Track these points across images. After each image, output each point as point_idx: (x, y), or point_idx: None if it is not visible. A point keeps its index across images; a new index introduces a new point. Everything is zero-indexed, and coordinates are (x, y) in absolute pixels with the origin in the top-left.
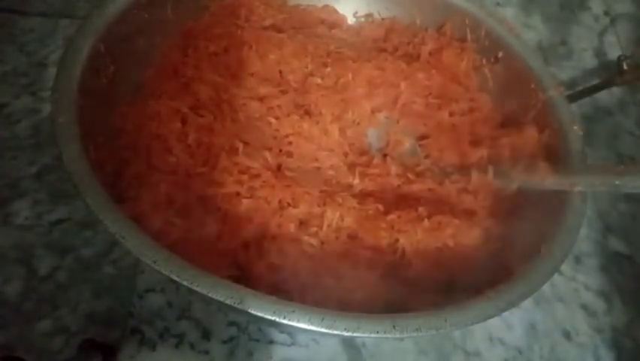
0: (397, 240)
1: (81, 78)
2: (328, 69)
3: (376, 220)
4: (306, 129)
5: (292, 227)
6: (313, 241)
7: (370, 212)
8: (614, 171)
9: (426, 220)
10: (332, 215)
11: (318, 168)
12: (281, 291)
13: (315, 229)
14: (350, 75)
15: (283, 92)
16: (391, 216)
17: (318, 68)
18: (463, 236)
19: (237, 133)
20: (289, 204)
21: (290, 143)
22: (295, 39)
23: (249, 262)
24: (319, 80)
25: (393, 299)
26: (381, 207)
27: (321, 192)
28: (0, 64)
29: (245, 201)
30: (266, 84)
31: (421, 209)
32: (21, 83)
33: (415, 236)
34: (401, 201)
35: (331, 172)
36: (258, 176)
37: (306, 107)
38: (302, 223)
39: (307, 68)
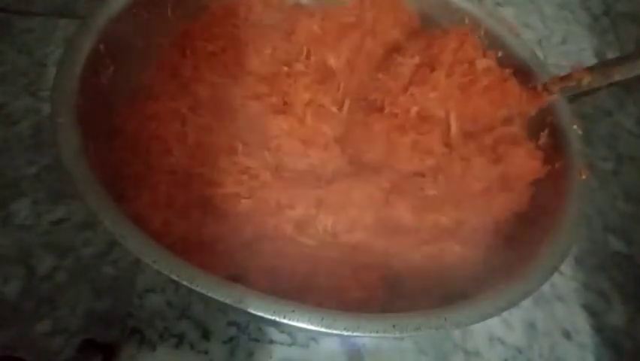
0: (390, 263)
1: (81, 78)
2: (313, 58)
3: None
4: (305, 130)
5: (289, 228)
6: (310, 242)
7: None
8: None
9: (423, 247)
10: (326, 219)
11: (318, 169)
12: (279, 291)
13: (312, 230)
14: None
15: (282, 92)
16: (383, 243)
17: (301, 54)
18: (463, 262)
19: (236, 133)
20: (287, 205)
21: (290, 143)
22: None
23: (248, 262)
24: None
25: (391, 301)
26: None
27: (319, 193)
28: (0, 64)
29: (244, 201)
30: (264, 83)
31: (418, 232)
32: (21, 83)
33: (410, 261)
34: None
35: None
36: (257, 176)
37: (305, 107)
38: (299, 224)
39: (299, 54)
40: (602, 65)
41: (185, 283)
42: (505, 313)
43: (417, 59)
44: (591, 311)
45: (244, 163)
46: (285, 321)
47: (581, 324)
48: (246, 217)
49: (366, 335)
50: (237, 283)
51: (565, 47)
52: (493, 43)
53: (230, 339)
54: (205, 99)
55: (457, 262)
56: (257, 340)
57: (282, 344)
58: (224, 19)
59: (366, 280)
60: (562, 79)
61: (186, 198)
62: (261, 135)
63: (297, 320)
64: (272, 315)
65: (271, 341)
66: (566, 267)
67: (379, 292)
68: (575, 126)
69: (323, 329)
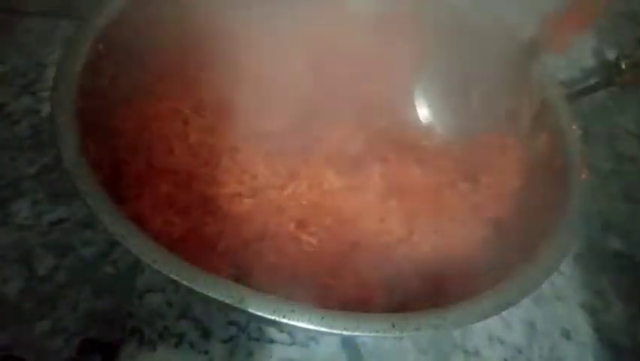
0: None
1: (81, 78)
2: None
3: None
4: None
5: (292, 226)
6: (312, 240)
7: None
8: None
9: (425, 227)
10: (330, 216)
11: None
12: (280, 290)
13: (314, 228)
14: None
15: (284, 90)
16: (389, 224)
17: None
18: (462, 243)
19: (239, 133)
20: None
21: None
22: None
23: (249, 261)
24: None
25: (393, 300)
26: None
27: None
28: (0, 64)
29: (246, 201)
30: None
31: (420, 214)
32: (21, 83)
33: (412, 242)
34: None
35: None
36: (258, 176)
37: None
38: (301, 223)
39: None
40: None
41: (184, 283)
42: (504, 313)
43: None
44: (590, 311)
45: (246, 163)
46: (285, 321)
47: (581, 323)
48: (248, 217)
49: (365, 334)
50: (238, 282)
51: None
52: None
53: (230, 338)
54: (208, 99)
55: (454, 244)
56: (257, 339)
57: (282, 343)
58: None
59: (366, 279)
60: None
61: (187, 197)
62: (264, 134)
63: (297, 320)
64: (272, 315)
65: (271, 341)
66: (566, 266)
67: (379, 291)
68: (574, 126)
69: (323, 329)
